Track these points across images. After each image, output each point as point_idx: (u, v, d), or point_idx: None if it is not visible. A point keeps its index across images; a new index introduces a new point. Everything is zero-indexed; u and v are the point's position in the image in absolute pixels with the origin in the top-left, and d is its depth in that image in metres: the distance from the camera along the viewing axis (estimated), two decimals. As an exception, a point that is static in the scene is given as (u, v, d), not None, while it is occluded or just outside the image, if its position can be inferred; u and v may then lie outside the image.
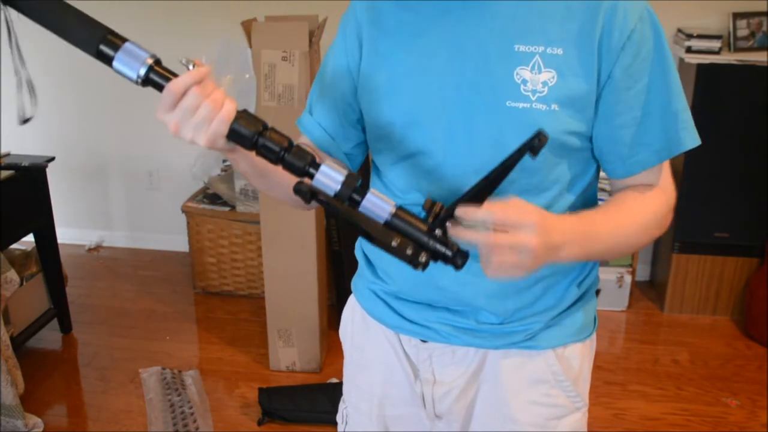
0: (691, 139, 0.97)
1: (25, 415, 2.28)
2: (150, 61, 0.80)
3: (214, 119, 0.80)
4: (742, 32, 2.84)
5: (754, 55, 2.77)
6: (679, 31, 2.91)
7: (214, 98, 0.80)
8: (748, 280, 2.92)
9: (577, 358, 1.09)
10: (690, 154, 2.83)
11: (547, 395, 1.07)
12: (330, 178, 0.82)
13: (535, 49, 0.90)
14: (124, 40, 0.80)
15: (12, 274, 2.52)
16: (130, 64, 0.79)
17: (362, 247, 1.15)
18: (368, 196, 0.83)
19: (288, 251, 2.43)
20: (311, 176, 0.83)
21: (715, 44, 2.75)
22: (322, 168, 0.82)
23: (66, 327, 2.87)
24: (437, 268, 0.86)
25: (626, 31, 0.89)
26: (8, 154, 2.69)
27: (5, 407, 2.22)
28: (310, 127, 1.09)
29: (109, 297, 3.20)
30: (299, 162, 0.83)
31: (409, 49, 0.97)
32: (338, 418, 1.25)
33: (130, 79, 0.80)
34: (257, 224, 2.81)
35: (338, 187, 0.82)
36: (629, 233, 0.96)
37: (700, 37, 2.78)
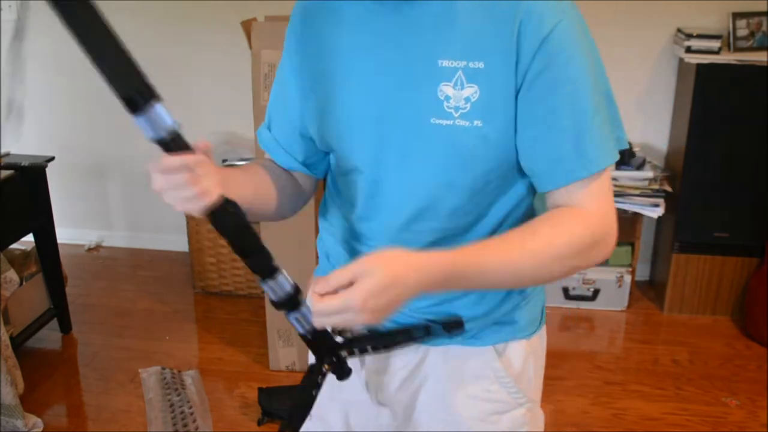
0: (605, 157, 0.90)
1: (25, 415, 2.28)
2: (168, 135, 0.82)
3: (190, 203, 0.83)
4: (742, 32, 2.85)
5: (754, 55, 2.77)
6: (679, 31, 2.91)
7: (200, 189, 0.82)
8: (748, 280, 2.92)
9: (519, 355, 1.10)
10: (690, 154, 2.85)
11: (487, 390, 1.09)
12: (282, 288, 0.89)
13: (458, 63, 0.89)
14: (156, 97, 0.82)
15: (12, 274, 2.52)
16: (152, 126, 0.81)
17: (324, 242, 1.17)
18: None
19: (288, 251, 2.43)
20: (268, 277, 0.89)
21: (715, 44, 2.75)
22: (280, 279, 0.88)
23: (66, 327, 2.87)
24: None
25: (539, 38, 0.86)
26: (8, 154, 2.69)
27: (5, 407, 2.22)
28: (268, 142, 1.12)
29: (109, 297, 3.20)
30: (260, 267, 0.88)
31: (337, 64, 0.97)
32: None
33: (145, 134, 0.83)
34: (257, 224, 2.81)
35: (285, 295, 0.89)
36: (533, 264, 0.90)
37: (700, 37, 2.78)
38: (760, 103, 2.72)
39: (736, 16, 2.84)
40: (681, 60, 2.94)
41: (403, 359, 1.11)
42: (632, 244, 3.04)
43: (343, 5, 0.97)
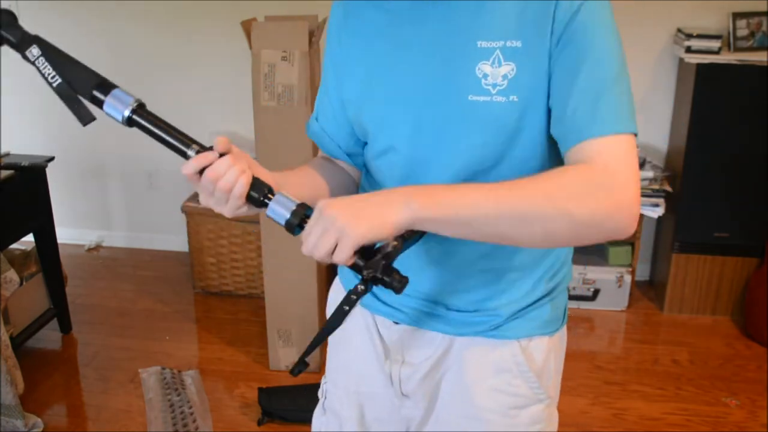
0: (619, 122, 0.90)
1: (25, 414, 2.28)
2: (134, 104, 0.94)
3: (229, 198, 0.91)
4: (742, 32, 2.84)
5: (754, 55, 2.77)
6: (679, 31, 2.91)
7: (225, 181, 0.89)
8: (748, 280, 2.92)
9: (542, 351, 1.11)
10: (690, 154, 2.84)
11: (509, 384, 1.10)
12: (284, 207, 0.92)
13: (495, 44, 0.93)
14: (113, 86, 0.95)
15: (12, 274, 2.52)
16: (117, 106, 0.94)
17: None
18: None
19: (288, 251, 2.43)
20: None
21: (715, 44, 2.75)
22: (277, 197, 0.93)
23: (66, 327, 2.87)
24: (404, 267, 0.91)
25: (571, 12, 0.91)
26: (8, 154, 2.69)
27: (5, 407, 2.23)
28: (315, 131, 1.17)
29: (109, 297, 3.20)
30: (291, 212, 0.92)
31: (378, 53, 1.03)
32: (319, 393, 1.31)
33: (116, 119, 0.95)
34: (257, 224, 2.81)
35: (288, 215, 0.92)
36: (514, 194, 0.87)
37: (700, 37, 2.78)
38: (760, 103, 2.72)
39: (736, 16, 2.84)
40: (681, 60, 2.94)
41: (428, 350, 1.12)
42: (632, 244, 3.04)
43: (388, 1, 1.02)
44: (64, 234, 3.22)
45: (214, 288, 3.19)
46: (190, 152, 0.91)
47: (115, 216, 3.68)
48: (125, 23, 3.33)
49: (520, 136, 0.96)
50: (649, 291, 3.25)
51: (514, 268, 1.06)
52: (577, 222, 0.86)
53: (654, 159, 3.11)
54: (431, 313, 1.10)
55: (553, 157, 1.00)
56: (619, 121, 0.91)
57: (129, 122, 0.94)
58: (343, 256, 0.86)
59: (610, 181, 0.87)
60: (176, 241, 3.57)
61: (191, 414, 2.37)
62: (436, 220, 0.88)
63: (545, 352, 1.11)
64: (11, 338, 2.44)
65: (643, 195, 2.85)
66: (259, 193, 0.91)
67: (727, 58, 2.74)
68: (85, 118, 0.97)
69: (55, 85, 0.96)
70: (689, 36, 2.79)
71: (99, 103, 0.94)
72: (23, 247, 2.71)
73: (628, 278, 3.03)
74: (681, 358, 2.75)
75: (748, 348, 2.82)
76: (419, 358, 1.13)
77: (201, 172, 0.90)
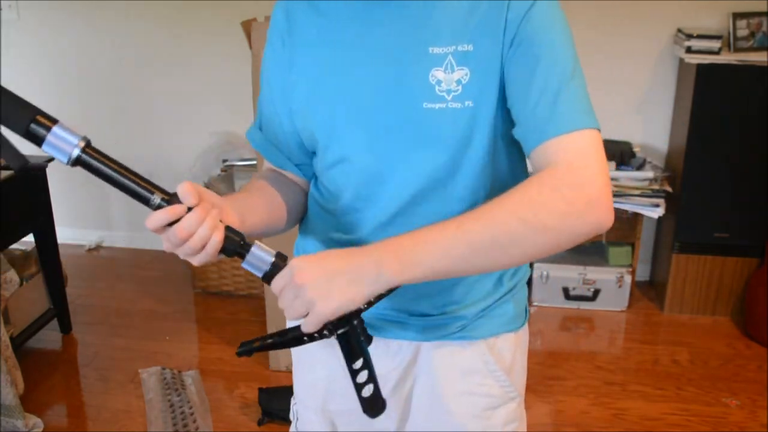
0: (579, 118, 0.88)
1: (25, 415, 2.28)
2: (81, 144, 0.82)
3: (200, 254, 0.85)
4: (742, 32, 2.84)
5: (754, 55, 2.77)
6: (679, 31, 2.91)
7: (197, 238, 0.83)
8: (748, 280, 2.92)
9: (509, 348, 1.11)
10: (690, 154, 2.84)
11: (480, 385, 1.09)
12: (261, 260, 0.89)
13: (447, 49, 0.92)
14: (54, 121, 0.81)
15: (12, 274, 2.52)
16: (60, 145, 0.81)
17: (301, 250, 1.16)
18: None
19: (288, 251, 2.42)
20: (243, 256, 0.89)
21: (715, 44, 2.75)
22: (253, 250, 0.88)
23: (66, 327, 2.87)
24: None
25: (522, 11, 0.90)
26: None
27: (5, 407, 2.23)
28: (260, 142, 1.11)
29: (109, 297, 3.20)
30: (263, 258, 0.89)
31: (324, 58, 0.99)
32: (291, 416, 1.29)
33: (61, 160, 0.83)
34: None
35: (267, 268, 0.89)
36: (483, 224, 0.84)
37: (700, 37, 2.78)
38: (760, 103, 2.72)
39: (737, 16, 2.84)
40: (681, 60, 2.94)
41: (395, 359, 1.10)
42: (632, 245, 3.04)
43: (328, 3, 0.99)
44: (64, 234, 3.22)
45: (214, 288, 3.19)
46: (154, 200, 0.83)
47: (115, 216, 3.68)
48: (125, 23, 3.33)
49: (476, 142, 0.94)
50: (649, 291, 3.25)
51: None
52: (554, 231, 0.84)
53: (654, 159, 3.11)
54: (395, 320, 1.07)
55: (513, 159, 1.00)
56: (579, 117, 0.88)
57: (77, 162, 0.82)
58: (312, 328, 0.86)
59: (577, 178, 0.84)
60: (176, 241, 3.57)
61: (191, 414, 2.37)
62: (412, 281, 0.86)
63: (512, 348, 1.11)
64: (11, 338, 2.44)
65: (643, 195, 2.85)
66: (232, 247, 0.86)
67: (728, 58, 2.74)
68: (16, 162, 0.82)
69: None
70: (689, 36, 2.79)
71: (38, 141, 0.81)
72: (23, 247, 2.71)
73: (628, 278, 3.03)
74: (681, 358, 2.75)
75: (748, 348, 2.81)
76: (386, 368, 1.09)
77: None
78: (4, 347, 2.28)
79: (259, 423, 2.34)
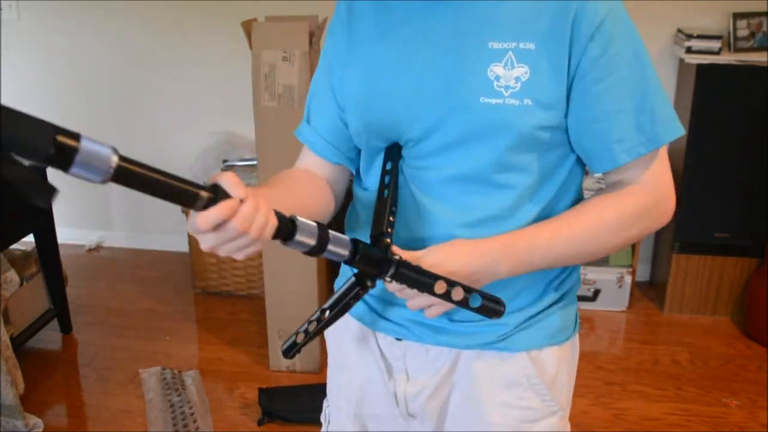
0: (669, 132, 0.95)
1: (25, 415, 2.28)
2: (115, 159, 0.68)
3: (252, 243, 0.79)
4: (742, 32, 2.84)
5: (754, 55, 2.77)
6: (679, 31, 2.91)
7: (255, 228, 0.77)
8: (748, 280, 2.92)
9: (552, 362, 1.07)
10: (690, 155, 2.84)
11: (520, 398, 1.06)
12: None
13: (508, 45, 0.91)
14: (77, 137, 0.67)
15: (12, 274, 2.52)
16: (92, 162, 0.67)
17: None
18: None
19: (288, 251, 2.42)
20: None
21: (715, 44, 2.75)
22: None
23: (66, 327, 2.87)
24: None
25: (596, 22, 0.90)
26: (8, 154, 2.68)
27: (5, 407, 2.23)
28: (310, 137, 1.11)
29: (109, 297, 3.20)
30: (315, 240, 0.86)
31: (383, 54, 0.99)
32: (322, 418, 1.26)
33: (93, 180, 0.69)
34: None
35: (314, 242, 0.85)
36: (585, 239, 0.96)
37: (700, 37, 2.78)
38: (760, 103, 2.72)
39: (737, 16, 2.84)
40: (681, 60, 2.94)
41: (433, 366, 1.07)
42: (632, 245, 3.04)
43: (388, 2, 1.00)
44: (64, 234, 3.22)
45: (214, 288, 3.19)
46: (200, 199, 0.74)
47: (115, 216, 3.68)
48: (125, 23, 3.33)
49: (535, 140, 0.94)
50: (649, 291, 3.25)
51: (521, 276, 0.99)
52: (637, 239, 1.00)
53: (654, 159, 3.10)
54: (435, 326, 1.04)
55: (565, 161, 1.00)
56: (667, 131, 0.95)
57: (116, 175, 0.68)
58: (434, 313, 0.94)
59: (660, 197, 0.99)
60: (176, 241, 3.57)
61: (191, 414, 2.37)
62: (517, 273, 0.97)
63: (556, 362, 1.07)
64: (11, 338, 2.44)
65: (644, 195, 2.85)
66: (284, 230, 0.82)
67: (728, 58, 2.74)
68: (47, 198, 0.67)
69: None
70: (689, 36, 2.79)
71: (64, 162, 0.66)
72: (23, 247, 2.71)
73: (628, 278, 3.03)
74: (681, 358, 2.75)
75: (748, 348, 2.82)
76: (424, 375, 1.08)
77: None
78: (4, 347, 2.28)
79: (259, 423, 2.34)
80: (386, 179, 1.00)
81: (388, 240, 0.92)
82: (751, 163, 2.80)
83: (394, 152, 1.01)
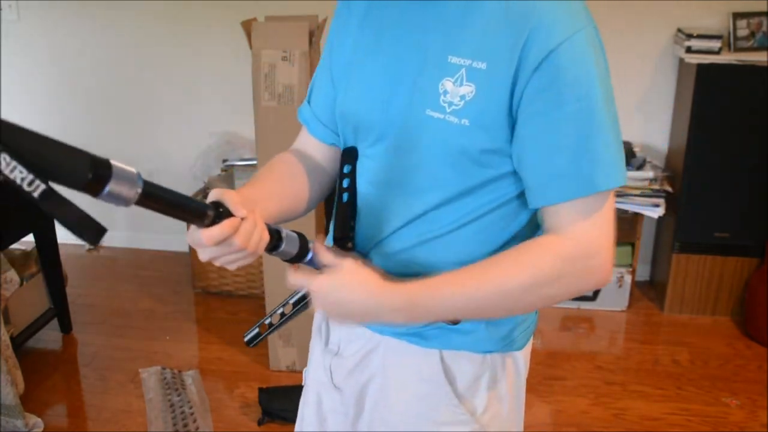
0: (608, 179, 0.87)
1: (25, 414, 2.28)
2: (140, 185, 0.71)
3: (247, 256, 0.87)
4: (742, 32, 2.84)
5: (754, 55, 2.77)
6: (679, 31, 2.91)
7: (252, 244, 0.85)
8: (748, 280, 2.92)
9: (467, 371, 1.04)
10: (690, 155, 2.84)
11: (429, 395, 1.05)
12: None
13: (464, 61, 0.89)
14: (107, 164, 0.69)
15: (12, 274, 2.52)
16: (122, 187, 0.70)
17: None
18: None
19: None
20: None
21: (715, 44, 2.75)
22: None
23: (66, 327, 2.87)
24: None
25: (545, 50, 0.84)
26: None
27: (5, 407, 2.23)
28: (308, 118, 1.13)
29: (109, 297, 3.20)
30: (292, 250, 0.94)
31: (364, 38, 1.01)
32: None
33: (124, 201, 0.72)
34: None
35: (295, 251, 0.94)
36: (496, 298, 0.90)
37: (700, 37, 2.78)
38: (760, 103, 2.72)
39: (737, 16, 2.84)
40: (681, 60, 2.94)
41: (356, 344, 1.10)
42: (632, 244, 3.04)
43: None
44: (64, 234, 3.22)
45: (214, 288, 3.19)
46: (209, 216, 0.80)
47: (115, 216, 3.68)
48: (125, 23, 3.33)
49: (467, 162, 0.92)
50: (649, 291, 3.25)
51: (445, 268, 0.94)
52: (560, 298, 0.92)
53: (654, 159, 3.11)
54: None
55: (510, 189, 0.96)
56: (606, 178, 0.87)
57: (142, 199, 0.71)
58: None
59: (588, 252, 0.89)
60: (176, 241, 3.57)
61: (191, 414, 2.37)
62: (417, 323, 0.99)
63: (475, 372, 1.03)
64: (11, 338, 2.44)
65: (644, 195, 2.85)
66: (273, 242, 0.90)
67: (728, 58, 2.74)
68: (96, 236, 0.71)
69: (37, 194, 0.66)
70: (689, 36, 2.79)
71: (97, 189, 0.69)
72: (23, 247, 2.71)
73: (628, 278, 3.03)
74: (681, 358, 2.75)
75: (748, 348, 2.82)
76: (350, 350, 1.12)
77: None
78: (5, 347, 2.28)
79: (259, 423, 2.34)
80: (345, 182, 1.03)
81: (350, 244, 1.01)
82: (751, 163, 2.80)
83: (352, 155, 1.03)
